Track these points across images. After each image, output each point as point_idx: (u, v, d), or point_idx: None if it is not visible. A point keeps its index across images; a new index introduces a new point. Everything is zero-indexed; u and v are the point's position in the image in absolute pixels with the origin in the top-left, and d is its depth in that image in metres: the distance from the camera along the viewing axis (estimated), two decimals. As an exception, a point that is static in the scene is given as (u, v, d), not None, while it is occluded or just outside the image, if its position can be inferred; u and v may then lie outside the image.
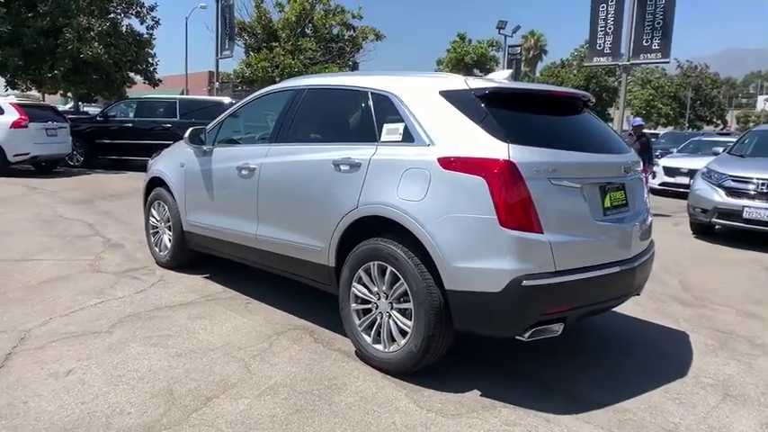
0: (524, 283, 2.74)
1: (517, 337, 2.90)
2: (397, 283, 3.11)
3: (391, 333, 3.18)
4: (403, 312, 3.13)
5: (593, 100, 3.71)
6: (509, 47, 30.18)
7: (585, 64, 14.52)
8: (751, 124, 62.63)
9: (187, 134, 4.60)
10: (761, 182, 7.36)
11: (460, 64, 31.18)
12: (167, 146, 13.80)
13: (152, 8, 17.60)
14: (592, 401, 3.01)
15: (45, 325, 3.75)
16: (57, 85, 18.71)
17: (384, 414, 2.78)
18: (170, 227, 5.13)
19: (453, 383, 3.11)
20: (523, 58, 29.94)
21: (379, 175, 3.22)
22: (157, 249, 5.35)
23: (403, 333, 3.13)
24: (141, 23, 17.66)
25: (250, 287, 4.69)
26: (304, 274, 3.83)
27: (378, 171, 3.23)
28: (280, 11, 21.47)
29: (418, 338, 3.01)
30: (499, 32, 30.57)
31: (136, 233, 6.69)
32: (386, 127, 3.34)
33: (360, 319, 3.35)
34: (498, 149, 2.83)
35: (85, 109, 24.44)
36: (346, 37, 23.03)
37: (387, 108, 3.39)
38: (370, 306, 3.31)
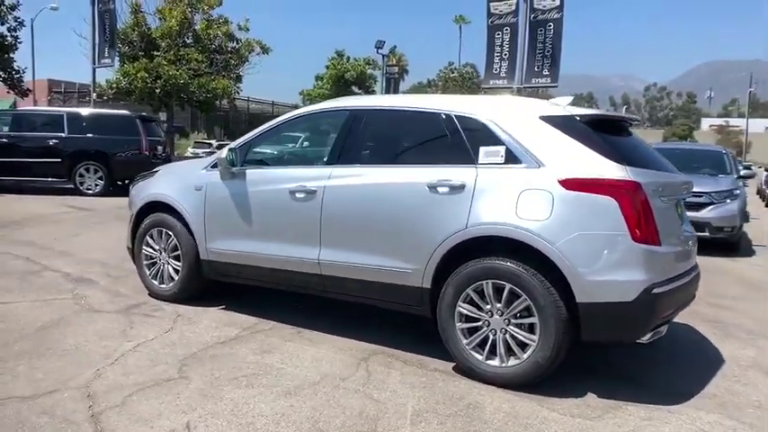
0: (654, 291, 3.05)
1: (637, 341, 3.19)
2: (518, 300, 3.24)
3: (509, 348, 3.30)
4: (521, 327, 3.26)
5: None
6: (387, 66, 31.34)
7: (483, 86, 15.64)
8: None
9: (224, 155, 4.27)
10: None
11: (341, 81, 31.63)
12: (54, 164, 12.36)
13: (13, 7, 15.41)
14: (682, 392, 3.38)
15: (100, 378, 3.27)
16: None
17: (541, 425, 2.90)
18: (178, 256, 4.69)
19: (568, 390, 3.30)
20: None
21: (489, 196, 3.33)
22: (156, 282, 4.85)
23: (522, 347, 3.26)
24: (1, 24, 15.37)
25: (282, 315, 4.46)
26: (385, 297, 3.78)
27: (487, 192, 3.34)
28: (161, 18, 20.05)
29: (546, 350, 3.16)
30: (377, 52, 31.64)
31: (92, 265, 5.97)
32: (483, 149, 3.46)
33: (467, 338, 3.41)
34: (620, 171, 3.12)
35: None
36: (229, 48, 22.21)
37: (480, 131, 3.52)
38: (479, 324, 3.39)
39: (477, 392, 3.25)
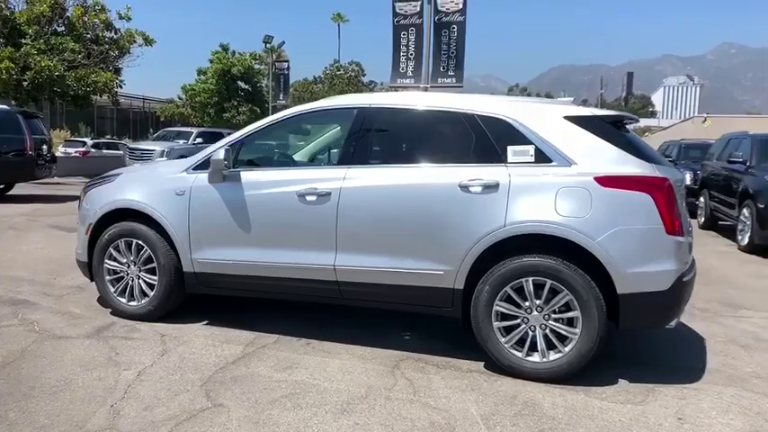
0: (684, 279, 3.29)
1: (666, 327, 3.42)
2: (559, 296, 3.31)
3: (549, 343, 3.36)
4: (561, 321, 3.34)
5: None
6: (276, 62, 30.53)
7: (390, 84, 15.82)
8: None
9: (221, 156, 3.86)
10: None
11: (227, 75, 30.11)
12: None
13: None
14: (690, 369, 3.66)
15: (120, 416, 2.83)
16: None
17: (603, 415, 2.99)
18: (152, 269, 4.19)
19: (600, 378, 3.43)
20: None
21: (526, 194, 3.37)
22: (124, 299, 4.30)
23: (562, 340, 3.34)
24: None
25: (278, 326, 4.17)
26: (411, 301, 3.67)
27: (523, 191, 3.37)
28: (27, 2, 17.60)
29: (589, 342, 3.27)
30: (266, 47, 30.75)
31: (19, 283, 5.19)
32: (511, 149, 3.49)
33: (505, 337, 3.43)
34: (650, 168, 3.31)
35: None
36: (107, 38, 20.22)
37: (505, 130, 3.54)
38: (516, 321, 3.42)
39: (524, 389, 3.28)
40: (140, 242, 4.20)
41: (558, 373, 3.34)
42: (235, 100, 30.91)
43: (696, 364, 3.78)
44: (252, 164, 4.16)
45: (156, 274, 4.19)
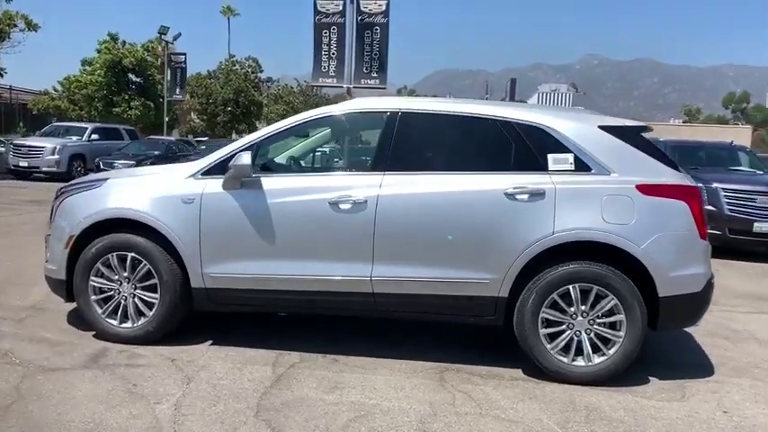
0: (712, 280, 3.53)
1: (692, 327, 3.66)
2: (604, 300, 3.41)
3: (595, 346, 3.46)
4: (604, 325, 3.44)
5: None
6: (172, 54, 28.72)
7: (312, 83, 15.50)
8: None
9: (246, 161, 3.50)
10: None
11: (117, 67, 27.58)
12: None
13: None
14: (701, 364, 3.94)
15: (184, 458, 2.48)
16: None
17: (660, 414, 3.12)
18: (151, 286, 3.74)
19: (633, 379, 3.57)
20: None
21: (572, 202, 3.43)
22: (114, 321, 3.80)
23: (605, 344, 3.45)
24: None
25: (288, 342, 3.89)
26: (452, 311, 3.60)
27: (569, 198, 3.43)
28: None
29: (633, 344, 3.41)
30: (161, 38, 28.81)
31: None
32: (552, 157, 3.55)
33: (551, 343, 3.47)
34: (683, 177, 3.52)
35: None
36: (-20, 20, 17.75)
37: (544, 138, 3.58)
38: (562, 328, 3.48)
39: (575, 393, 3.34)
40: (137, 256, 3.72)
41: (604, 376, 3.44)
42: (126, 93, 28.56)
43: (701, 359, 4.08)
44: (267, 169, 3.85)
45: (155, 292, 3.74)
